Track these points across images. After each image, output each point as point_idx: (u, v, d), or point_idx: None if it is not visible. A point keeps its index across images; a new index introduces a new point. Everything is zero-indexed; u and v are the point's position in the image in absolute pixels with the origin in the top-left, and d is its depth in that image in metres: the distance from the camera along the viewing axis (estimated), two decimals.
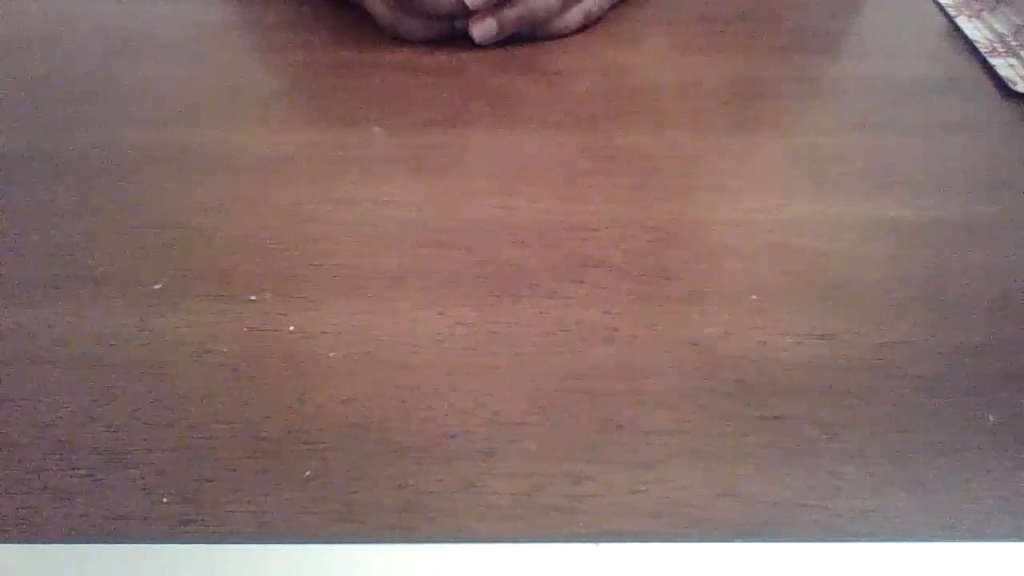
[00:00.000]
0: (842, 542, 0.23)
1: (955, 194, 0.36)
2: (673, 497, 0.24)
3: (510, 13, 0.45)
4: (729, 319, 0.30)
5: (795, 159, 0.38)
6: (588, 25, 0.49)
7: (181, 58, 0.46)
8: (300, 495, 0.24)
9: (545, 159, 0.38)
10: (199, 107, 0.42)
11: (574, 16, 0.48)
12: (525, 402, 0.27)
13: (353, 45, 0.47)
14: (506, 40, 0.47)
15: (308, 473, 0.25)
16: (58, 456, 0.26)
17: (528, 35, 0.48)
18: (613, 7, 0.51)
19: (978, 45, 0.47)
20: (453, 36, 0.47)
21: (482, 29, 0.45)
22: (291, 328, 0.30)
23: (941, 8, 0.51)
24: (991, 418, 0.27)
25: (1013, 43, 0.47)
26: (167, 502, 0.24)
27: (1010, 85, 0.43)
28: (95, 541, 0.23)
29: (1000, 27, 0.48)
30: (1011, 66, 0.44)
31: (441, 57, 0.46)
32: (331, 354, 0.29)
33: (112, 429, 0.26)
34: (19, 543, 0.23)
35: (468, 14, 0.45)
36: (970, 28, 0.48)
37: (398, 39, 0.47)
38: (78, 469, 0.25)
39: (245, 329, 0.30)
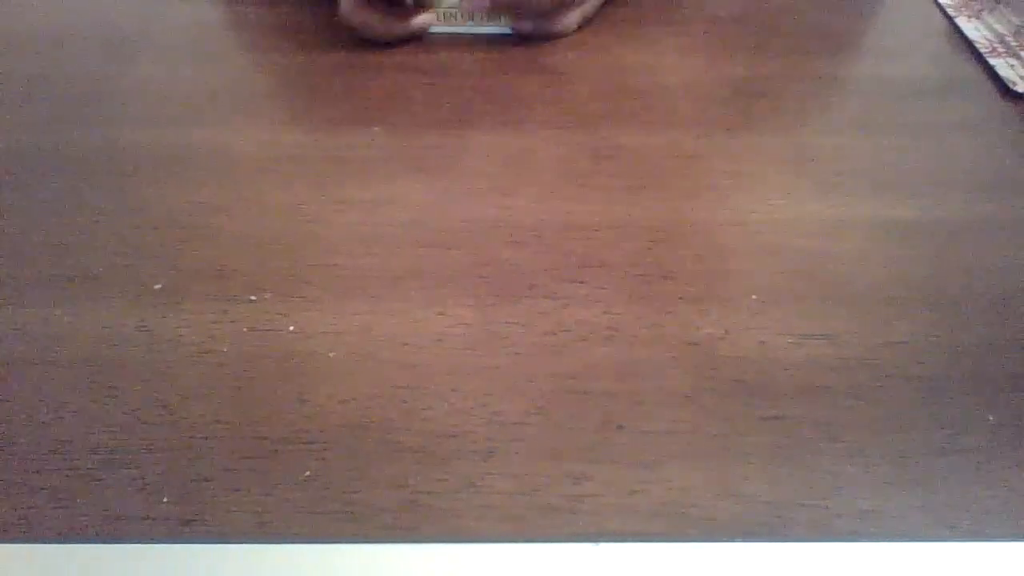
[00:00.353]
0: (842, 542, 0.23)
1: (955, 194, 0.36)
2: (673, 497, 0.24)
3: None
4: (729, 319, 0.30)
5: (795, 159, 0.38)
6: (583, 25, 0.49)
7: (181, 58, 0.46)
8: (300, 495, 0.24)
9: (545, 159, 0.38)
10: (199, 107, 0.42)
11: (573, 18, 0.47)
12: (525, 402, 0.27)
13: (353, 45, 0.47)
14: (506, 40, 0.47)
15: (308, 473, 0.25)
16: (58, 456, 0.26)
17: (528, 36, 0.47)
18: (612, 5, 0.51)
19: (978, 45, 0.47)
20: (411, 36, 0.47)
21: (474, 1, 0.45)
22: (291, 328, 0.30)
23: (941, 8, 0.51)
24: (991, 418, 0.27)
25: (1013, 43, 0.47)
26: (167, 502, 0.24)
27: (1010, 85, 0.43)
28: (95, 541, 0.23)
29: (1000, 27, 0.48)
30: (1011, 66, 0.44)
31: (441, 57, 0.46)
32: (331, 354, 0.29)
33: (112, 429, 0.26)
34: (19, 543, 0.23)
35: None
36: (970, 28, 0.49)
37: (358, 37, 0.47)
38: (78, 469, 0.25)
39: (245, 329, 0.30)
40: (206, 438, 0.26)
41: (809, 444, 0.26)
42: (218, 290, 0.31)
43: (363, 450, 0.26)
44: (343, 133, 0.40)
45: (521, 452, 0.26)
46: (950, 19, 0.50)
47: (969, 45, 0.47)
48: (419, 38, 0.48)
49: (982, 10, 0.51)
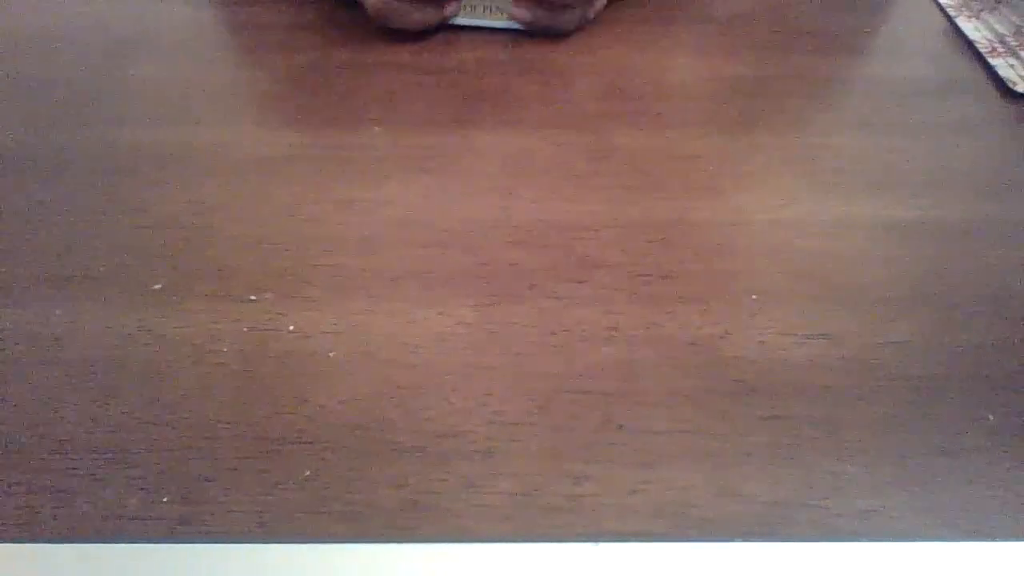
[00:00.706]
0: (842, 542, 0.23)
1: (955, 194, 0.36)
2: (673, 497, 0.24)
3: None
4: (729, 319, 0.30)
5: (795, 159, 0.38)
6: (583, 26, 0.49)
7: (181, 58, 0.46)
8: (300, 495, 0.25)
9: (545, 159, 0.38)
10: (199, 107, 0.42)
11: (572, 16, 0.47)
12: (525, 402, 0.27)
13: (353, 45, 0.47)
14: (506, 40, 0.47)
15: (308, 473, 0.25)
16: (58, 456, 0.26)
17: (528, 26, 0.47)
18: (612, 5, 0.51)
19: (978, 45, 0.47)
20: (443, 24, 0.47)
21: None
22: (291, 328, 0.30)
23: (941, 8, 0.51)
24: (991, 418, 0.27)
25: (1013, 43, 0.47)
26: (167, 502, 0.24)
27: (1010, 85, 0.43)
28: (95, 541, 0.23)
29: (1000, 27, 0.48)
30: (1011, 66, 0.44)
31: (441, 57, 0.46)
32: (331, 354, 0.29)
33: (112, 429, 0.26)
34: (19, 543, 0.23)
35: None
36: (970, 28, 0.48)
37: (390, 31, 0.47)
38: (78, 469, 0.25)
39: (245, 329, 0.30)
40: (206, 438, 0.26)
41: (809, 444, 0.26)
42: (218, 290, 0.31)
43: (363, 450, 0.26)
44: (343, 133, 0.40)
45: (521, 452, 0.26)
46: (950, 19, 0.50)
47: (969, 45, 0.47)
48: (425, 35, 0.48)
49: (982, 10, 0.50)
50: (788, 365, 0.28)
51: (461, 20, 0.48)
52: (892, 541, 0.23)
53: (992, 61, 0.45)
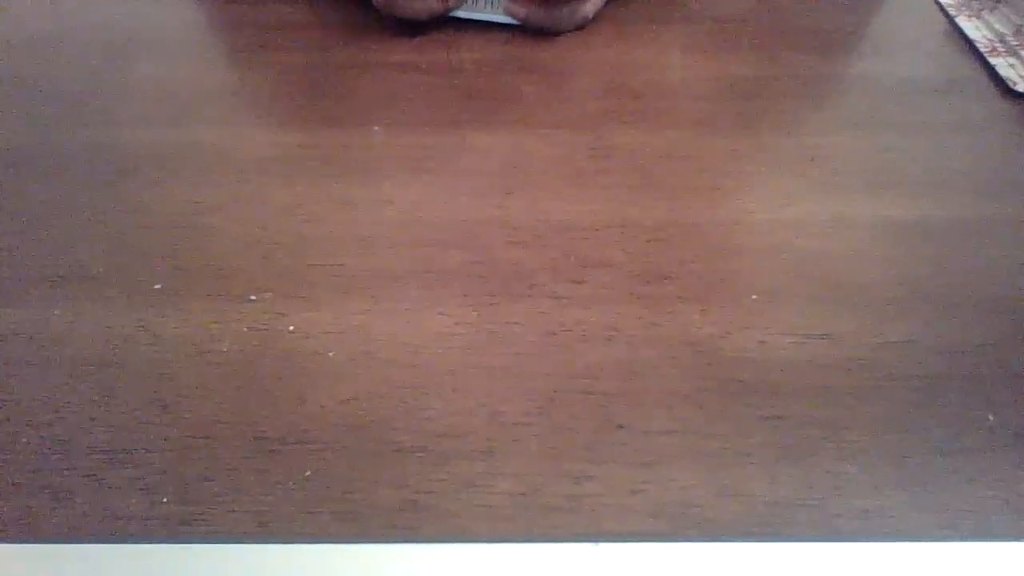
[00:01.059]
0: (842, 542, 0.23)
1: (955, 194, 0.36)
2: (673, 497, 0.24)
3: None
4: (729, 319, 0.30)
5: (795, 159, 0.38)
6: (582, 26, 0.49)
7: (181, 58, 0.46)
8: (300, 495, 0.25)
9: (545, 159, 0.38)
10: (199, 107, 0.42)
11: (567, 14, 0.47)
12: (525, 402, 0.27)
13: (353, 45, 0.47)
14: (506, 40, 0.47)
15: (308, 473, 0.25)
16: (58, 456, 0.26)
17: (529, 31, 0.47)
18: (612, 5, 0.51)
19: (978, 45, 0.47)
20: (445, 17, 0.47)
21: None
22: (291, 328, 0.30)
23: (941, 8, 0.51)
24: (991, 418, 0.27)
25: (1013, 43, 0.47)
26: (167, 502, 0.24)
27: (1010, 85, 0.43)
28: (95, 541, 0.23)
29: (1000, 27, 0.48)
30: (1011, 66, 0.44)
31: (441, 57, 0.46)
32: (331, 354, 0.29)
33: (112, 429, 0.26)
34: (19, 543, 0.23)
35: None
36: (970, 28, 0.48)
37: (395, 23, 0.47)
38: (78, 469, 0.25)
39: (245, 329, 0.30)
40: (206, 438, 0.26)
41: (809, 444, 0.26)
42: (218, 290, 0.31)
43: (363, 450, 0.26)
44: (343, 133, 0.40)
45: (521, 452, 0.26)
46: (950, 19, 0.50)
47: (969, 45, 0.47)
48: (425, 35, 0.48)
49: (982, 10, 0.50)
50: (788, 365, 0.28)
51: (462, 13, 0.48)
52: (892, 541, 0.23)
53: (992, 60, 0.45)
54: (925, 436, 0.26)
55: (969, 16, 0.50)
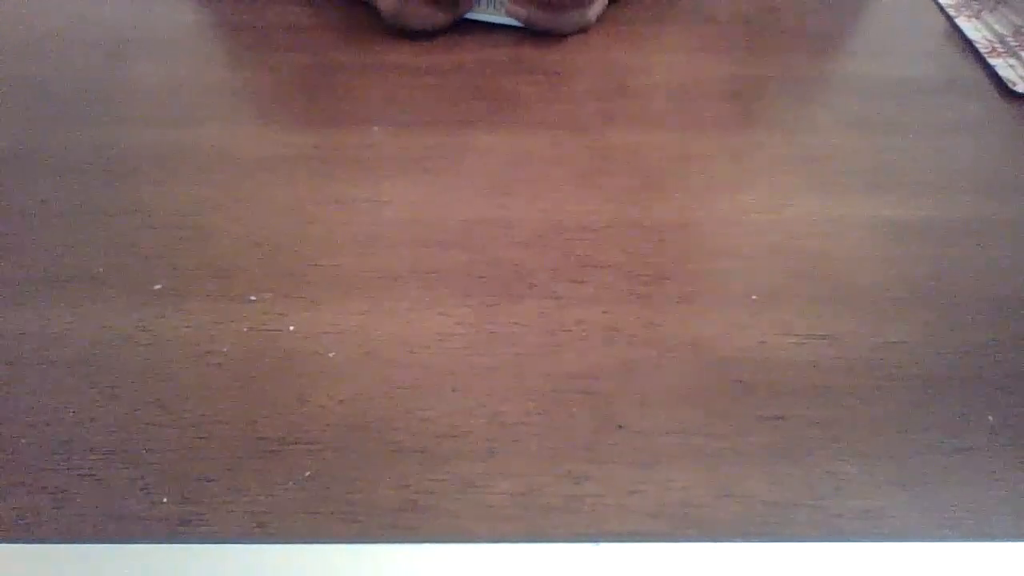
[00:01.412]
0: (842, 542, 0.23)
1: (955, 194, 0.36)
2: (673, 497, 0.24)
3: None
4: (729, 319, 0.30)
5: (795, 159, 0.38)
6: (586, 28, 0.49)
7: (181, 58, 0.46)
8: (300, 495, 0.25)
9: (545, 159, 0.38)
10: (199, 107, 0.42)
11: (571, 18, 0.47)
12: (525, 402, 0.27)
13: (353, 45, 0.47)
14: (506, 40, 0.47)
15: (308, 473, 0.25)
16: (58, 456, 0.26)
17: (532, 33, 0.47)
18: (612, 5, 0.51)
19: (978, 45, 0.47)
20: (455, 24, 0.47)
21: None
22: (291, 328, 0.30)
23: (941, 8, 0.51)
24: (991, 418, 0.27)
25: (1013, 43, 0.47)
26: (167, 502, 0.24)
27: (1010, 86, 0.43)
28: (95, 541, 0.23)
29: (1000, 27, 0.48)
30: (1011, 66, 0.44)
31: (441, 57, 0.46)
32: (331, 354, 0.29)
33: (112, 429, 0.26)
34: (19, 543, 0.23)
35: None
36: (970, 28, 0.48)
37: (400, 32, 0.47)
38: (78, 469, 0.25)
39: (245, 329, 0.30)
40: (206, 438, 0.26)
41: (809, 444, 0.26)
42: (218, 290, 0.31)
43: (363, 450, 0.26)
44: (343, 133, 0.40)
45: (521, 452, 0.26)
46: (950, 19, 0.50)
47: (969, 45, 0.47)
48: (427, 36, 0.48)
49: (982, 10, 0.50)
50: (788, 365, 0.28)
51: (469, 15, 0.48)
52: (892, 541, 0.23)
53: (992, 61, 0.45)
54: (925, 436, 0.26)
55: (969, 17, 0.50)
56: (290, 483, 0.25)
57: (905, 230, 0.34)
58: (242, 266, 0.32)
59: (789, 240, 0.34)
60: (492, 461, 0.25)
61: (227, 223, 0.35)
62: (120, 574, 0.23)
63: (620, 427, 0.26)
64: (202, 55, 0.47)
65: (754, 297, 0.31)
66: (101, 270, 0.32)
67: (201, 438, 0.26)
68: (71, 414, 0.27)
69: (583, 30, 0.49)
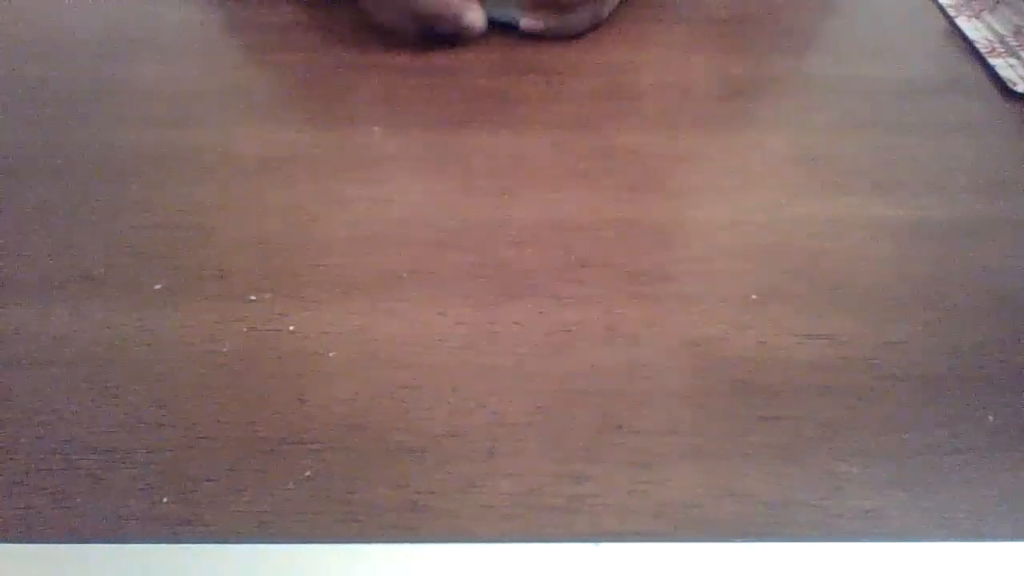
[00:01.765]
0: (842, 542, 0.23)
1: (955, 194, 0.36)
2: (673, 497, 0.24)
3: None
4: (729, 319, 0.30)
5: (795, 159, 0.38)
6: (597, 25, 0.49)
7: (181, 58, 0.46)
8: (300, 495, 0.24)
9: (545, 159, 0.38)
10: (199, 107, 0.42)
11: (584, 18, 0.47)
12: (525, 402, 0.27)
13: (353, 45, 0.47)
14: (506, 40, 0.47)
15: (308, 473, 0.25)
16: (58, 456, 0.26)
17: (538, 35, 0.47)
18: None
19: (978, 45, 0.47)
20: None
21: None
22: (291, 328, 0.30)
23: (941, 8, 0.51)
24: (991, 418, 0.27)
25: (1013, 43, 0.47)
26: (167, 502, 0.24)
27: (1010, 86, 0.43)
28: (95, 541, 0.23)
29: (1000, 27, 0.48)
30: (1011, 66, 0.44)
31: (441, 57, 0.46)
32: (331, 354, 0.29)
33: (112, 429, 0.26)
34: (19, 543, 0.23)
35: None
36: (970, 28, 0.48)
37: (392, 32, 0.47)
38: (78, 469, 0.25)
39: (245, 329, 0.30)
40: (206, 438, 0.26)
41: (809, 444, 0.26)
42: (218, 290, 0.31)
43: (363, 450, 0.26)
44: (343, 133, 0.40)
45: (521, 452, 0.26)
46: (950, 19, 0.50)
47: (969, 45, 0.47)
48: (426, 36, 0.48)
49: (982, 10, 0.50)
50: (788, 365, 0.28)
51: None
52: (892, 541, 0.23)
53: (992, 61, 0.45)
54: (925, 436, 0.26)
55: (969, 17, 0.50)
56: (290, 483, 0.25)
57: (905, 230, 0.34)
58: (242, 266, 0.32)
59: (789, 240, 0.34)
60: (492, 461, 0.25)
61: (227, 223, 0.35)
62: (120, 574, 0.23)
63: (620, 427, 0.26)
64: (202, 55, 0.47)
65: (754, 297, 0.31)
66: (101, 270, 0.32)
67: (201, 438, 0.26)
68: (71, 414, 0.27)
69: (595, 27, 0.48)
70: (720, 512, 0.24)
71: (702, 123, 0.41)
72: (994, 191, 0.36)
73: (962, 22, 0.49)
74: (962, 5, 0.51)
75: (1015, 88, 0.43)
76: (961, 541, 0.23)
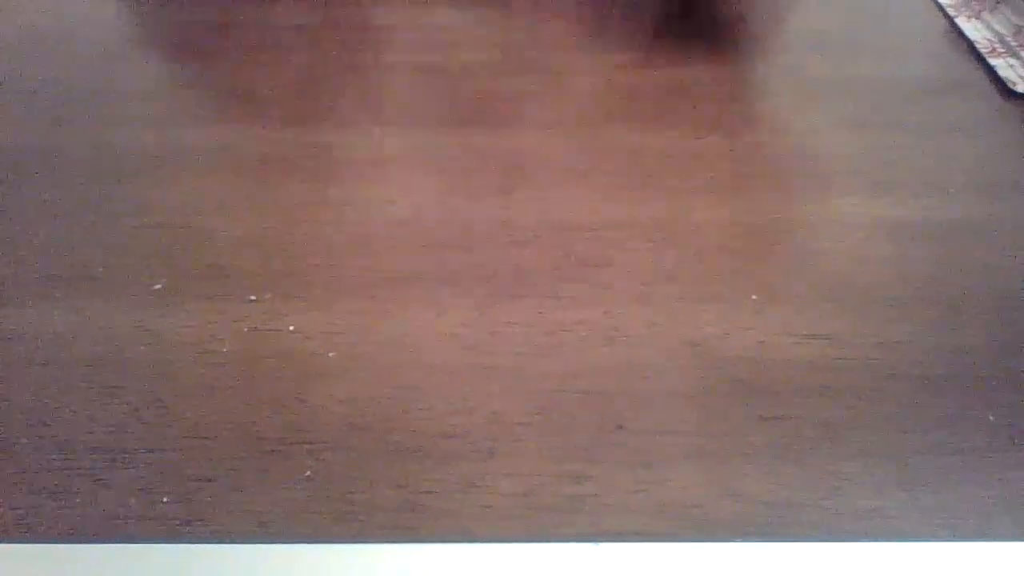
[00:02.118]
0: (842, 542, 0.23)
1: (955, 194, 0.36)
2: (673, 497, 0.24)
3: None
4: (729, 319, 0.30)
5: (795, 159, 0.38)
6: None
7: (181, 58, 0.46)
8: (300, 495, 0.24)
9: (545, 159, 0.38)
10: (199, 107, 0.42)
11: None
12: (525, 402, 0.27)
13: (353, 46, 0.47)
14: (506, 40, 0.47)
15: (308, 473, 0.25)
16: (58, 456, 0.26)
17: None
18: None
19: (978, 45, 0.47)
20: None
21: None
22: (291, 328, 0.30)
23: (941, 8, 0.51)
24: (991, 418, 0.27)
25: (1013, 43, 0.47)
26: (167, 502, 0.24)
27: (1010, 86, 0.43)
28: (95, 541, 0.23)
29: (1000, 27, 0.48)
30: (1011, 66, 0.44)
31: (441, 57, 0.46)
32: (331, 354, 0.29)
33: (112, 429, 0.26)
34: (19, 543, 0.23)
35: None
36: (970, 28, 0.48)
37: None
38: (78, 469, 0.25)
39: (245, 329, 0.30)
40: (206, 438, 0.26)
41: (809, 444, 0.26)
42: (218, 290, 0.31)
43: (363, 450, 0.26)
44: (343, 133, 0.40)
45: (521, 452, 0.26)
46: (950, 19, 0.50)
47: (969, 45, 0.47)
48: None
49: (982, 10, 0.50)
50: (788, 365, 0.28)
51: None
52: (892, 541, 0.23)
53: (992, 61, 0.45)
54: (925, 436, 0.26)
55: (969, 17, 0.50)
56: (290, 483, 0.25)
57: (905, 230, 0.34)
58: (242, 266, 0.32)
59: (789, 240, 0.34)
60: (492, 461, 0.25)
61: (227, 223, 0.35)
62: (120, 574, 0.23)
63: (620, 427, 0.26)
64: (202, 55, 0.47)
65: (754, 297, 0.31)
66: (101, 270, 0.32)
67: (201, 438, 0.26)
68: (71, 414, 0.27)
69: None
70: (720, 512, 0.24)
71: (702, 123, 0.41)
72: (994, 191, 0.36)
73: (962, 22, 0.49)
74: (962, 5, 0.51)
75: (1015, 88, 0.43)
76: (961, 541, 0.23)
